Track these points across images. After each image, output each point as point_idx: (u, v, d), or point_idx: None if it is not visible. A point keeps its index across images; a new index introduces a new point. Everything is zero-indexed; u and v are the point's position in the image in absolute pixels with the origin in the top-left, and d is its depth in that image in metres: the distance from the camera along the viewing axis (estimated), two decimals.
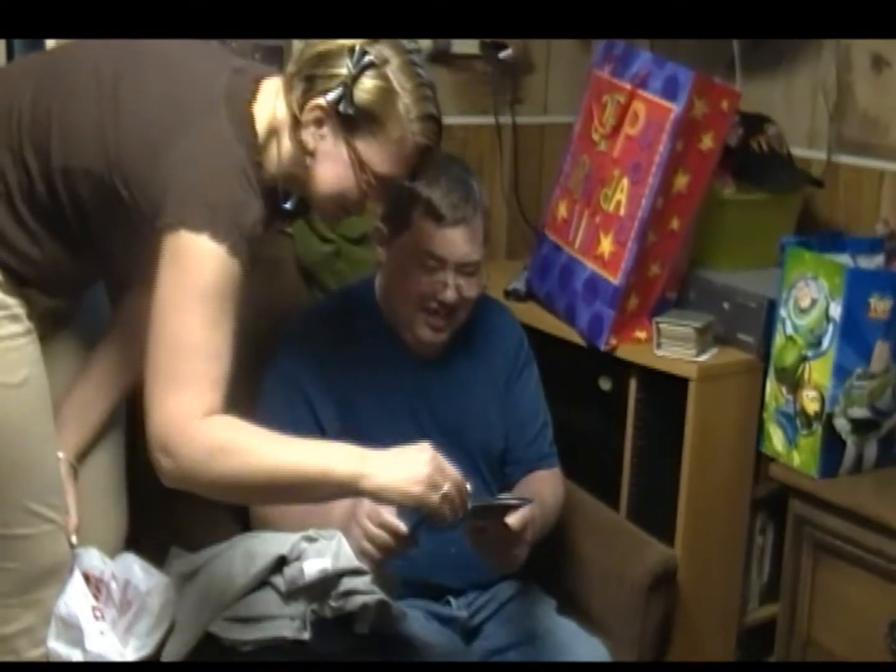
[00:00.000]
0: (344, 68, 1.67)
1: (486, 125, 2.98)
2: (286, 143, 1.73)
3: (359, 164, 1.71)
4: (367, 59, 1.67)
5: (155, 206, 1.61)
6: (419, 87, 1.71)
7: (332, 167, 1.72)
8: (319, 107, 1.69)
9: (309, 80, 1.69)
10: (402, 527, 1.77)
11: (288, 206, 1.76)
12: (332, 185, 1.74)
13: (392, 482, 1.62)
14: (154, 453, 1.58)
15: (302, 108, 1.70)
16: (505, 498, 2.00)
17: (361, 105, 1.68)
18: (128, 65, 1.69)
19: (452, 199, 2.01)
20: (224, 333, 1.61)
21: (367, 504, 1.79)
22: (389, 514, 1.78)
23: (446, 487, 1.64)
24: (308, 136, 1.71)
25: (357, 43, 1.68)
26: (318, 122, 1.70)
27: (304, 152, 1.72)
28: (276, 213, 1.77)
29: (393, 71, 1.68)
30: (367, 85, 1.68)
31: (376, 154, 1.71)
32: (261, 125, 1.70)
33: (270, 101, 1.72)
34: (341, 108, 1.67)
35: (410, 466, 1.64)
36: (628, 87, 2.38)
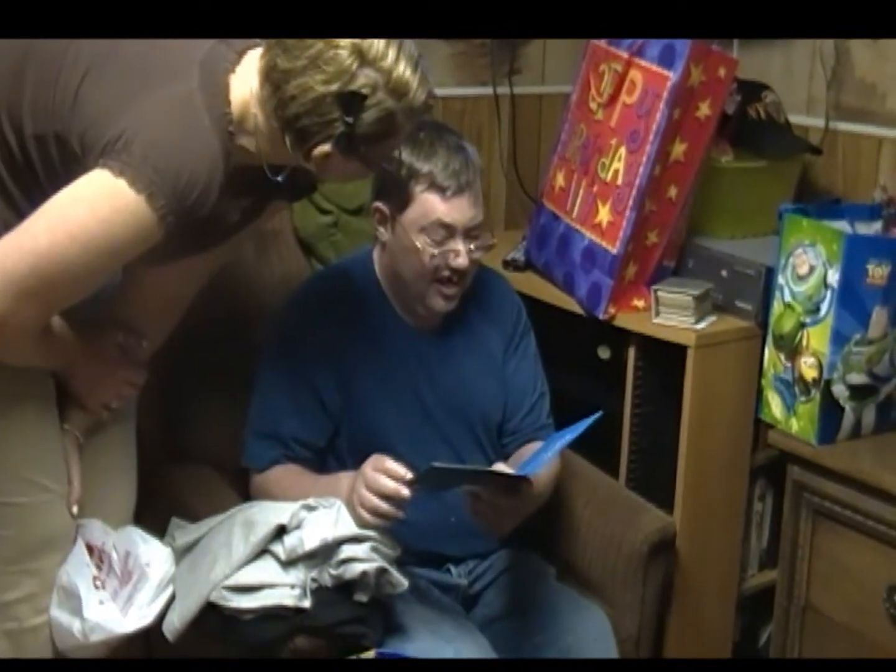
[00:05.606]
0: (335, 112, 1.60)
1: (483, 96, 2.96)
2: (263, 125, 1.66)
3: (372, 164, 1.72)
4: (357, 99, 1.60)
5: (99, 148, 1.56)
6: (416, 82, 1.63)
7: (342, 171, 1.71)
8: (325, 152, 1.64)
9: (302, 132, 1.63)
10: (403, 470, 1.82)
11: (280, 178, 1.71)
12: (343, 178, 1.81)
13: None
14: None
15: (307, 156, 1.65)
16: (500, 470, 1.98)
17: (367, 135, 1.63)
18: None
19: (454, 168, 2.00)
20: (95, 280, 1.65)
21: (372, 459, 1.85)
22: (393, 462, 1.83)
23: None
24: (317, 165, 1.67)
25: (338, 84, 1.59)
26: (326, 156, 1.65)
27: (319, 175, 1.74)
28: (273, 190, 1.75)
29: (386, 90, 1.61)
30: (369, 119, 1.61)
31: (386, 152, 1.73)
32: (235, 95, 1.65)
33: (251, 74, 1.65)
34: (350, 146, 1.63)
35: None
36: (625, 55, 2.37)
